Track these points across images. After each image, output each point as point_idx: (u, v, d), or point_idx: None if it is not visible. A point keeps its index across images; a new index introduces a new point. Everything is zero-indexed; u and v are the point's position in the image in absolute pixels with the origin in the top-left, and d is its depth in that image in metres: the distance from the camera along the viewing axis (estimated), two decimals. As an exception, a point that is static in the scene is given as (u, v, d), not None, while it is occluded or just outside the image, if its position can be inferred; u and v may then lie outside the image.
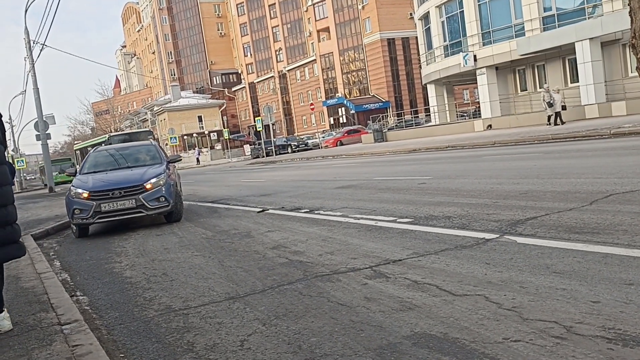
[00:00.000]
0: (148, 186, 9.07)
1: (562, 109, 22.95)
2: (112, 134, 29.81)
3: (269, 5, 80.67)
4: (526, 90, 31.88)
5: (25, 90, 43.11)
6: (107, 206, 8.84)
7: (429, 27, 36.34)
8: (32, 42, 25.79)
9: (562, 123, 22.58)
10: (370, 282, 4.21)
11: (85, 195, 8.95)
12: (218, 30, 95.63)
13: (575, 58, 26.42)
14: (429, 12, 35.72)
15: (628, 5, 14.98)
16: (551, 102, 22.43)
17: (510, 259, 4.29)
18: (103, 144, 25.13)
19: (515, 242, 4.80)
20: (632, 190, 6.38)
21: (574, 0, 27.35)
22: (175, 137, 50.31)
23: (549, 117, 22.87)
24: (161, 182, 9.23)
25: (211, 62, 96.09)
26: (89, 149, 30.32)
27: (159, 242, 7.63)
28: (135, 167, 10.08)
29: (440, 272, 4.22)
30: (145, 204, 8.98)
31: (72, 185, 9.40)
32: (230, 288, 4.61)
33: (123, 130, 72.76)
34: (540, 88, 24.31)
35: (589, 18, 26.18)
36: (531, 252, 4.41)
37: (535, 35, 28.02)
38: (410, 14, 48.01)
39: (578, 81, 26.68)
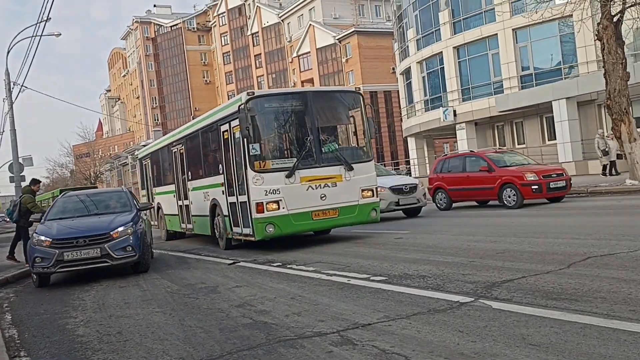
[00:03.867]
0: (114, 235, 8.71)
1: (618, 158, 19.36)
2: (258, 94, 9.93)
3: (255, 55, 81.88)
4: (505, 146, 32.27)
5: (3, 131, 42.57)
6: (70, 255, 8.44)
7: (410, 81, 36.95)
8: (12, 84, 25.59)
9: (617, 173, 19.32)
10: (335, 349, 3.93)
11: (48, 242, 8.55)
12: (203, 77, 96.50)
13: (553, 116, 26.91)
14: (410, 67, 36.40)
15: (603, 67, 15.36)
16: (606, 149, 19.39)
17: (484, 327, 4.05)
18: (237, 122, 9.69)
19: (490, 307, 4.57)
20: (610, 253, 6.23)
21: (551, 61, 28.09)
22: (154, 182, 49.68)
23: (604, 166, 19.93)
24: (129, 231, 8.89)
25: (195, 108, 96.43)
26: (172, 149, 14.50)
27: (120, 296, 7.24)
28: (103, 215, 9.73)
29: (411, 339, 3.96)
30: (111, 253, 8.60)
31: (35, 232, 9.01)
32: (186, 352, 4.28)
33: (94, 181, 60.35)
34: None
35: (565, 78, 26.82)
36: (507, 319, 4.18)
37: (513, 93, 28.57)
38: (393, 69, 49.05)
39: (555, 139, 27.07)
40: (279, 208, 9.49)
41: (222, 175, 10.81)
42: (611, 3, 14.57)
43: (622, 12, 14.59)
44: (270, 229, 9.48)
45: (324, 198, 9.81)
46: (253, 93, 9.78)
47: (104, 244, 8.59)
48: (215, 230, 11.59)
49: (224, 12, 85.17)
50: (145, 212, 10.67)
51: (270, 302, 5.75)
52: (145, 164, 18.31)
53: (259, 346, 4.20)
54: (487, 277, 5.70)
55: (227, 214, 10.72)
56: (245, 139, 9.51)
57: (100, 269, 9.04)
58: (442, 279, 5.89)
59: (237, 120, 9.64)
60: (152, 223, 16.79)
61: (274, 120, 10.27)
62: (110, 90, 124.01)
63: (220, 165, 10.96)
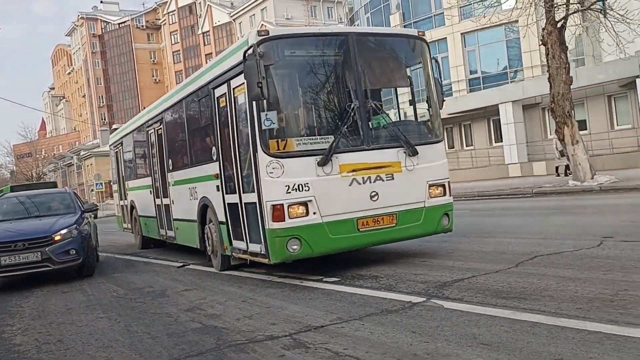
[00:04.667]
0: (57, 238, 8.33)
1: None
2: (274, 34, 6.29)
3: (206, 55, 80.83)
4: (453, 147, 32.94)
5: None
6: (7, 259, 8.02)
7: (362, 83, 37.30)
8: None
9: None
10: (287, 353, 3.84)
11: (-17, 247, 8.11)
12: (153, 76, 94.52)
13: (499, 119, 27.66)
14: (362, 69, 36.74)
15: (547, 72, 15.85)
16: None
17: (436, 327, 4.05)
18: (242, 78, 6.26)
19: (442, 307, 4.58)
20: (556, 252, 6.39)
21: (498, 65, 28.87)
22: (101, 183, 48.42)
23: (557, 167, 19.93)
24: (72, 234, 8.53)
25: (144, 107, 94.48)
26: (148, 130, 11.08)
27: (62, 301, 6.93)
28: (45, 217, 9.33)
29: (364, 341, 3.92)
30: (53, 257, 8.22)
31: (-31, 236, 8.52)
32: (132, 359, 4.10)
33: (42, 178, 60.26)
34: (550, 135, 21.06)
35: (511, 82, 27.64)
36: (458, 319, 4.19)
37: (462, 96, 29.22)
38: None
39: (502, 141, 27.83)
40: (307, 213, 6.16)
41: (217, 163, 7.41)
42: (555, 9, 15.04)
43: (565, 18, 15.08)
44: (295, 246, 6.10)
45: (375, 198, 6.48)
46: (267, 32, 6.22)
47: (45, 247, 8.20)
48: (206, 243, 8.16)
49: (174, 10, 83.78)
50: (90, 214, 10.25)
51: (220, 306, 5.61)
52: (116, 152, 14.47)
53: (209, 351, 4.07)
54: (438, 277, 5.74)
55: (223, 220, 7.35)
56: (254, 104, 6.12)
57: (43, 274, 8.64)
58: (394, 279, 5.89)
59: (242, 75, 6.19)
60: (125, 226, 14.56)
61: (299, 77, 6.81)
62: (54, 88, 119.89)
63: (213, 148, 7.56)
